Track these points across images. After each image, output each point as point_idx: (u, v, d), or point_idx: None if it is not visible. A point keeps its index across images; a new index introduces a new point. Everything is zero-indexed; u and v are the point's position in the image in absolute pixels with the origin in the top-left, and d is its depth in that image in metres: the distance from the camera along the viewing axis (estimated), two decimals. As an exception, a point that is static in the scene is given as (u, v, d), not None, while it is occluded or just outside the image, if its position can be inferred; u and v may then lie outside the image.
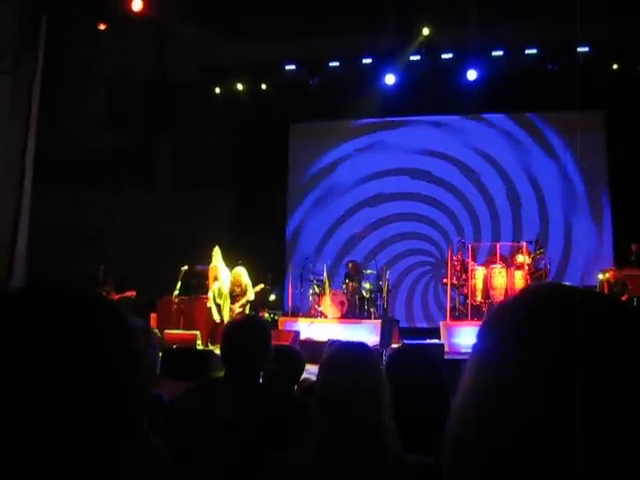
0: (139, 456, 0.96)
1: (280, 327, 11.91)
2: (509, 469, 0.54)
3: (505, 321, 0.62)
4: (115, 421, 0.73)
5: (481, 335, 0.64)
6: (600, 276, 11.00)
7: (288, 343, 9.49)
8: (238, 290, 10.82)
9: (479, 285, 11.61)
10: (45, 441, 0.68)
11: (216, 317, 10.61)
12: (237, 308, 10.64)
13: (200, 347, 10.33)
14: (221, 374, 2.90)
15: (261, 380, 3.15)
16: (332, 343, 4.05)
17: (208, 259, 11.08)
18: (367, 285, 12.34)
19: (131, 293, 11.31)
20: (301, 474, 1.90)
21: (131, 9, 11.53)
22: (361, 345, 2.16)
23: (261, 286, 11.34)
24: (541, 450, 0.53)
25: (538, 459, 0.53)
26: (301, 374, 4.25)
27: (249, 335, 2.79)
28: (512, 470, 0.54)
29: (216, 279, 10.85)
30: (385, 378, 2.01)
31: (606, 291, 9.92)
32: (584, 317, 0.57)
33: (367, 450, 1.87)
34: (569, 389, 0.54)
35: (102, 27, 12.02)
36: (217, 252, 10.97)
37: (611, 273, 10.91)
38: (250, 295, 10.86)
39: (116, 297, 11.13)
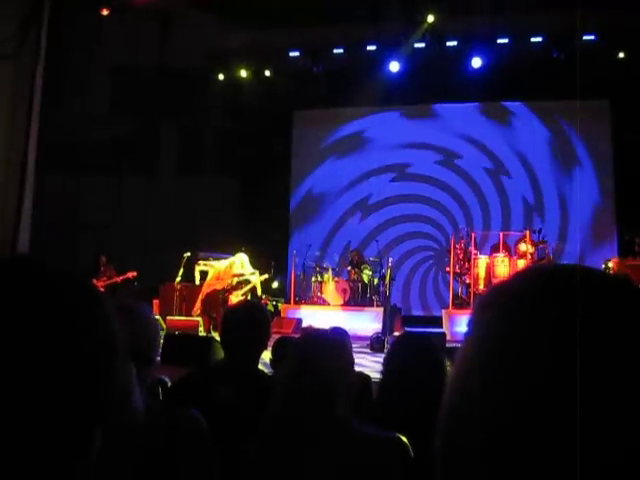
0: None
1: (283, 314, 11.93)
2: (505, 450, 0.53)
3: (499, 300, 0.60)
4: (81, 401, 0.68)
5: (474, 315, 0.61)
6: (603, 266, 10.97)
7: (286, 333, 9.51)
8: (240, 277, 10.82)
9: (482, 274, 11.60)
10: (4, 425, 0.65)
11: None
12: (239, 295, 10.64)
13: (202, 333, 10.34)
14: (221, 360, 2.90)
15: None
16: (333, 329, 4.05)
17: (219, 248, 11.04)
18: (370, 273, 12.34)
19: (132, 274, 11.20)
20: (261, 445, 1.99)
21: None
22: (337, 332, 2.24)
23: (265, 276, 11.32)
24: (538, 430, 0.52)
25: (534, 440, 0.52)
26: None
27: (247, 321, 2.79)
28: (507, 452, 0.53)
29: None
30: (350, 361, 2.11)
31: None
32: (581, 292, 0.55)
33: (321, 418, 1.93)
34: (566, 363, 0.52)
35: (105, 12, 11.96)
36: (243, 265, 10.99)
37: (614, 263, 10.88)
38: (253, 282, 10.85)
39: (117, 279, 11.07)
